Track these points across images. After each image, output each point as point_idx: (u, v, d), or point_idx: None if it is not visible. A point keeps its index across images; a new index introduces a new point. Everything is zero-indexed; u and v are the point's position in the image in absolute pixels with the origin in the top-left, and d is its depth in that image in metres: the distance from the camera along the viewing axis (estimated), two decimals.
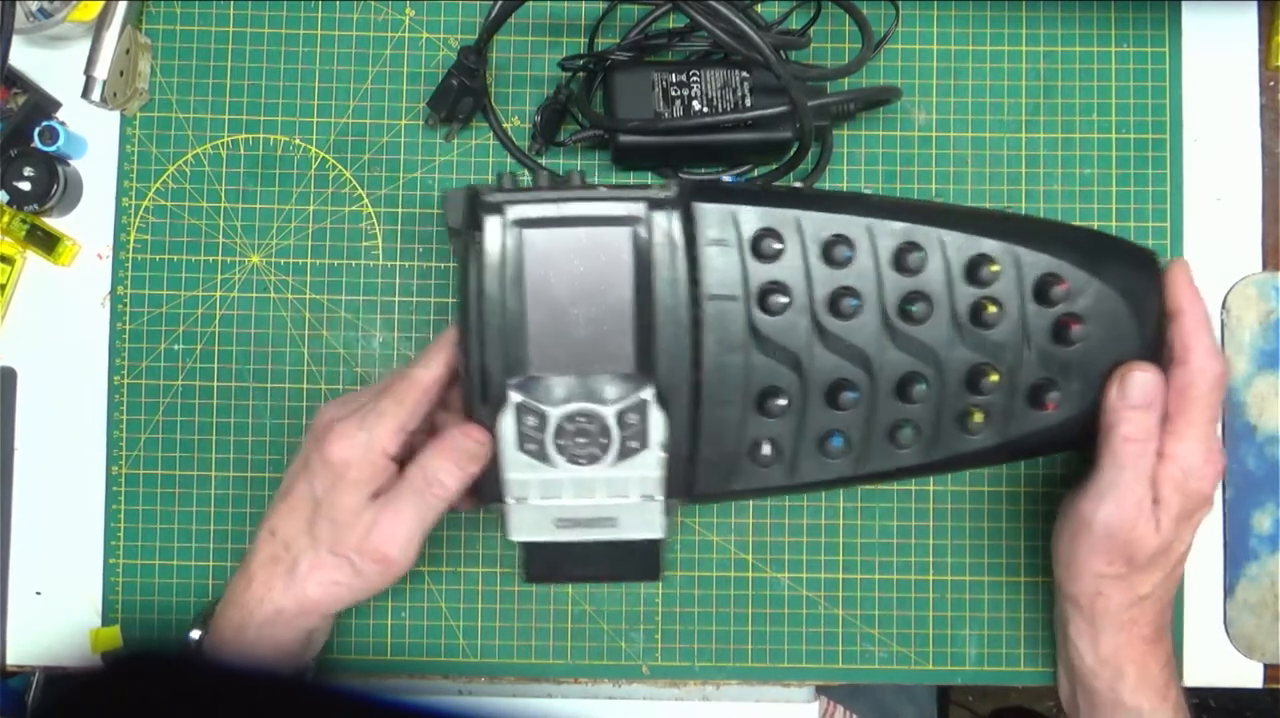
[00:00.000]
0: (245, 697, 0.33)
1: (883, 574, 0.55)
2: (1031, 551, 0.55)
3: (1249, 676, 0.56)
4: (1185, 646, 0.55)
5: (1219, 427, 0.48)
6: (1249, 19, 0.56)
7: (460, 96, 0.53)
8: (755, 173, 0.55)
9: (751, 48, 0.48)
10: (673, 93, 0.52)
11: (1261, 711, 0.91)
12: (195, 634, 0.50)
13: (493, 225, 0.45)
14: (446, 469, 0.46)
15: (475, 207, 0.45)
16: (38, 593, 0.55)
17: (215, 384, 0.55)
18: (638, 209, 0.45)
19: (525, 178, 0.47)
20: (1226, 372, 0.47)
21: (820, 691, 0.59)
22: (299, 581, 0.47)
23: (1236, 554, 0.55)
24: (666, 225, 0.45)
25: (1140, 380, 0.46)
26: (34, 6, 0.52)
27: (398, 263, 0.55)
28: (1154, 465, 0.47)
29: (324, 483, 0.46)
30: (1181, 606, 0.55)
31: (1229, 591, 0.55)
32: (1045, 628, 0.55)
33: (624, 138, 0.52)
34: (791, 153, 0.54)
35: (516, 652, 0.55)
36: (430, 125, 0.55)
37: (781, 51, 0.53)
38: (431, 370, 0.47)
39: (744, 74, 0.52)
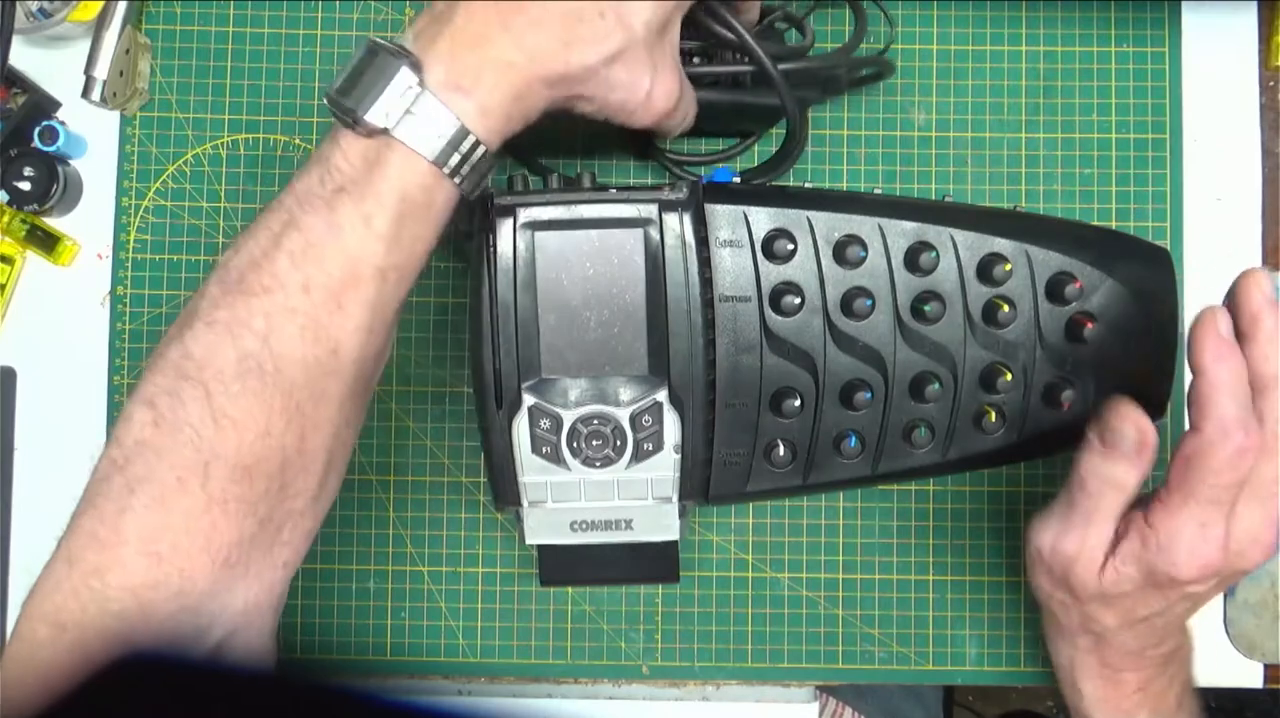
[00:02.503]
0: (244, 697, 0.33)
1: (883, 574, 0.55)
2: None
3: (1249, 676, 0.56)
4: None
5: (1236, 509, 0.42)
6: (1249, 19, 0.56)
7: None
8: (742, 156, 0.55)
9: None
10: None
11: (1262, 711, 0.91)
12: (404, 63, 0.38)
13: (504, 228, 0.45)
14: None
15: (487, 209, 0.45)
16: None
17: None
18: (649, 211, 0.45)
19: (536, 179, 0.47)
20: (1252, 447, 0.41)
21: (829, 691, 0.59)
22: None
23: None
24: (678, 227, 0.45)
25: (1121, 432, 0.42)
26: (34, 6, 0.52)
27: None
28: (1121, 513, 0.44)
29: None
30: None
31: (1229, 590, 0.55)
32: None
33: None
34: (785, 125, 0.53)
35: (516, 652, 0.55)
36: None
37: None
38: None
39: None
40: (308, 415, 0.40)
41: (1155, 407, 0.50)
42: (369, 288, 0.39)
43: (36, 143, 0.53)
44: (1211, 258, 0.55)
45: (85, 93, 0.53)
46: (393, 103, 0.38)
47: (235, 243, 0.41)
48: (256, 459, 0.39)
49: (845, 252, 0.46)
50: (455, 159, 0.39)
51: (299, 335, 0.39)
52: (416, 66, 0.39)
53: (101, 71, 0.52)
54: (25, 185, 0.53)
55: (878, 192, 0.53)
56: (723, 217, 0.46)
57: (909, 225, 0.47)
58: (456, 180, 0.40)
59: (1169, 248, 0.54)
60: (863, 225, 0.47)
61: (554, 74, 0.40)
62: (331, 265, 0.39)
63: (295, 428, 0.40)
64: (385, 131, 0.38)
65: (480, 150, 0.40)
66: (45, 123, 0.54)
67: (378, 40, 0.40)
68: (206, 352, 0.39)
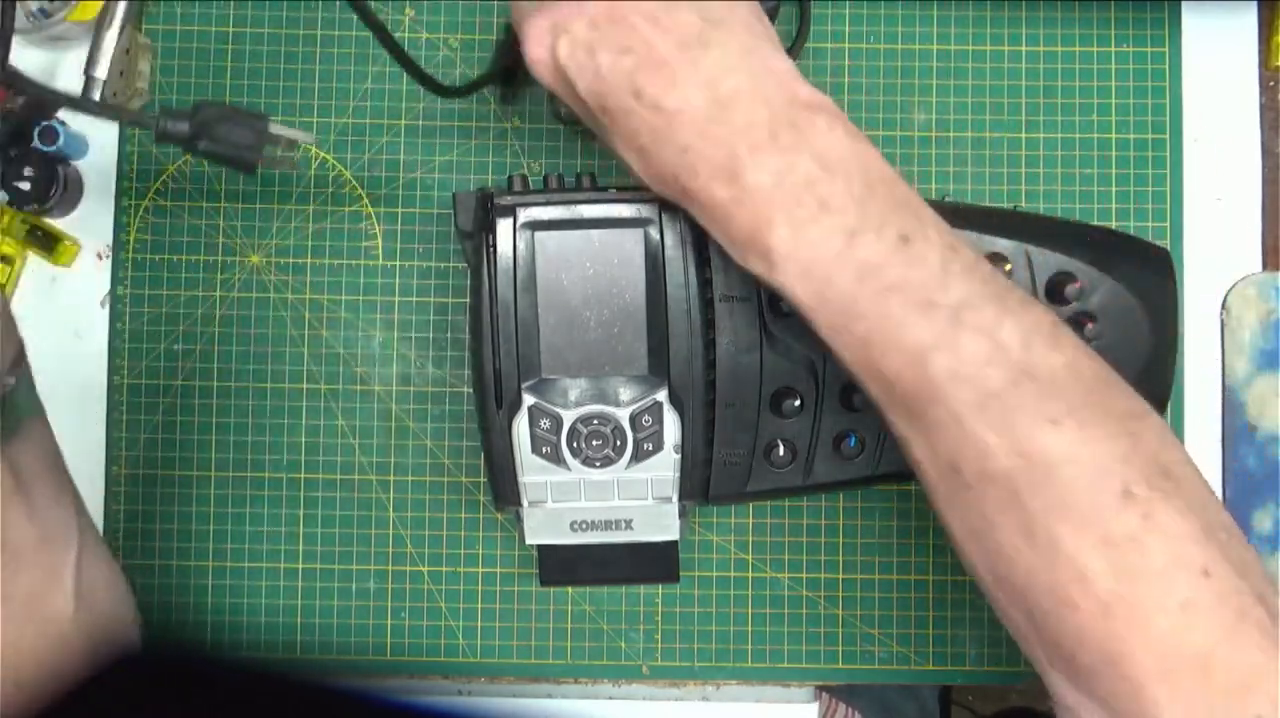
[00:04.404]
0: (244, 697, 0.33)
1: (883, 574, 0.55)
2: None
3: None
4: None
5: None
6: (1249, 19, 0.56)
7: None
8: None
9: None
10: None
11: None
12: None
13: (504, 228, 0.45)
14: None
15: (487, 209, 0.45)
16: None
17: (215, 384, 0.55)
18: (649, 211, 0.45)
19: (536, 179, 0.48)
20: None
21: (822, 688, 0.59)
22: None
23: None
24: (678, 227, 0.45)
25: None
26: (34, 6, 0.52)
27: (398, 263, 0.55)
28: None
29: None
30: None
31: None
32: None
33: None
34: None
35: (516, 652, 0.55)
36: None
37: None
38: None
39: None
40: None
41: (1155, 407, 0.50)
42: None
43: (36, 143, 0.53)
44: (1211, 258, 0.55)
45: (85, 93, 0.53)
46: None
47: None
48: None
49: None
50: None
51: None
52: None
53: (101, 71, 0.52)
54: (25, 185, 0.53)
55: None
56: None
57: None
58: None
59: (1169, 248, 0.54)
60: None
61: None
62: None
63: None
64: None
65: None
66: (45, 123, 0.54)
67: None
68: None
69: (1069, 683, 0.38)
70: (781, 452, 0.48)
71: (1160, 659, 0.35)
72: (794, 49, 0.55)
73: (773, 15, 0.53)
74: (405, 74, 0.56)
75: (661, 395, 0.45)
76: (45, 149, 0.54)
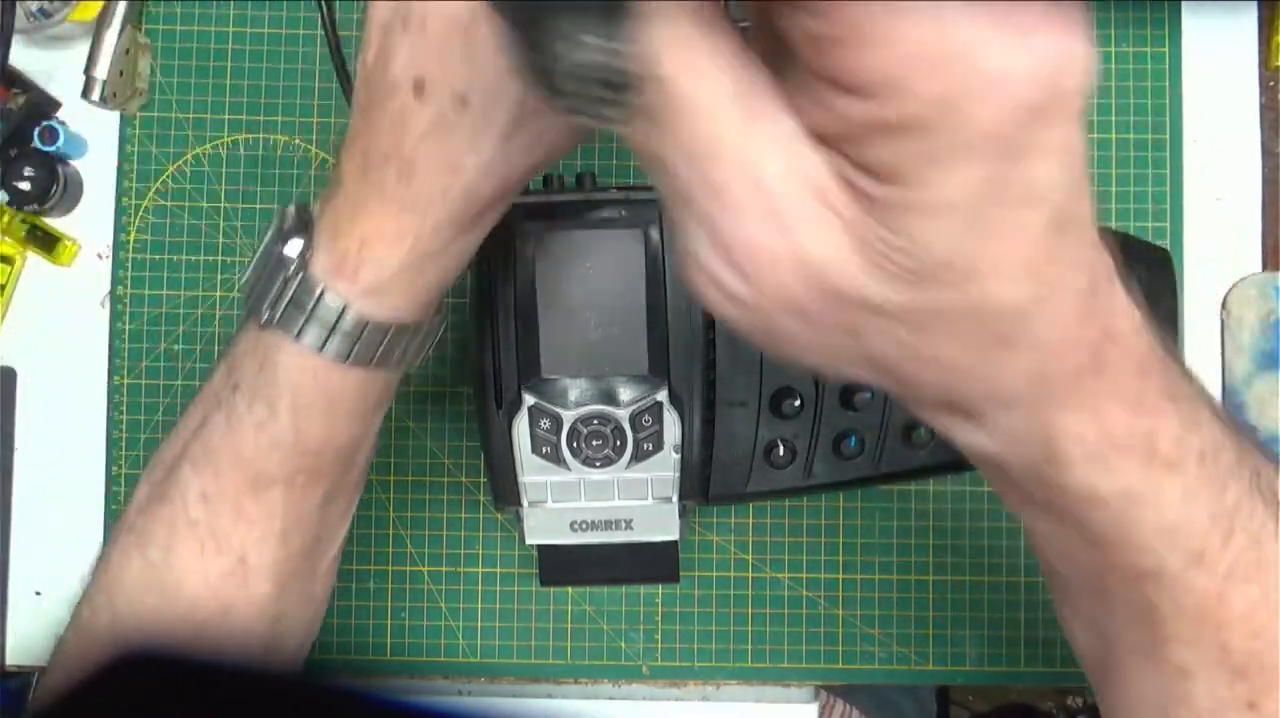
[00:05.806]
0: (244, 696, 0.33)
1: (883, 574, 0.55)
2: (1032, 550, 0.55)
3: None
4: None
5: None
6: (1249, 19, 0.56)
7: None
8: None
9: None
10: None
11: None
12: (294, 247, 0.35)
13: (504, 228, 0.45)
14: None
15: None
16: (37, 593, 0.55)
17: None
18: (649, 211, 0.45)
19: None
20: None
21: (821, 685, 0.59)
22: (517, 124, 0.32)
23: None
24: None
25: None
26: (34, 6, 0.52)
27: None
28: None
29: None
30: None
31: None
32: (1045, 628, 0.55)
33: None
34: None
35: (516, 652, 0.55)
36: None
37: None
38: None
39: None
40: (219, 628, 0.37)
41: None
42: (273, 494, 0.36)
43: (36, 143, 0.53)
44: (1211, 258, 0.55)
45: (85, 93, 0.53)
46: (277, 292, 0.35)
47: (176, 425, 0.38)
48: None
49: None
50: (358, 348, 0.35)
51: (199, 550, 0.37)
52: (306, 248, 0.35)
53: (101, 71, 0.52)
54: (25, 185, 0.53)
55: None
56: None
57: None
58: (369, 364, 0.35)
59: (1169, 248, 0.54)
60: None
61: (461, 213, 0.33)
62: (227, 473, 0.36)
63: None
64: (271, 323, 0.35)
65: (387, 332, 0.35)
66: (45, 123, 0.54)
67: (286, 212, 0.36)
68: (119, 562, 0.38)
69: None
70: (781, 452, 0.48)
71: None
72: None
73: None
74: None
75: (661, 395, 0.45)
76: (45, 149, 0.54)
